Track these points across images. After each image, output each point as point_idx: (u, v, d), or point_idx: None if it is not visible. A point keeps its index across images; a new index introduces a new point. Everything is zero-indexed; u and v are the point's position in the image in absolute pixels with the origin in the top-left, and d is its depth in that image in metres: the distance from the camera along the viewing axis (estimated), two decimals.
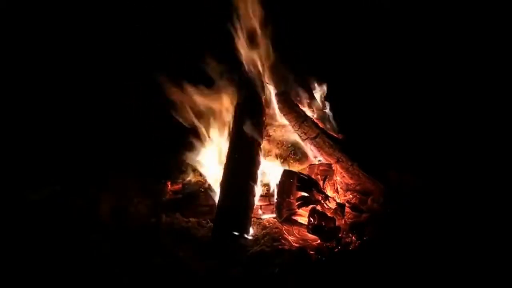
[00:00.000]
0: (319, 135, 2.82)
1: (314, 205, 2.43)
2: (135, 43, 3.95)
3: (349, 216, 2.55)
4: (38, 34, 3.91)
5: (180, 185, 2.95)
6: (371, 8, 4.08)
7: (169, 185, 2.94)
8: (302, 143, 2.92)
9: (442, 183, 2.64)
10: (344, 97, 3.35)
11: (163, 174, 2.99)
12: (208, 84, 3.17)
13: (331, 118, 3.12)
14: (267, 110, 3.10)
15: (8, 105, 3.57)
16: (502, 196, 2.47)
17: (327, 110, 3.16)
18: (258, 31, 3.01)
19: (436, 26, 3.94)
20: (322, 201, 2.46)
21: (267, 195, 2.75)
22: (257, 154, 2.72)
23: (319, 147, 2.82)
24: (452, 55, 3.82)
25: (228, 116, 3.06)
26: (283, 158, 2.93)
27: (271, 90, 3.11)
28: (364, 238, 2.29)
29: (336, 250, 2.23)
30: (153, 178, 2.93)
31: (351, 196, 2.73)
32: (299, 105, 3.05)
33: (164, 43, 3.93)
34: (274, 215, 2.56)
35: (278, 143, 3.02)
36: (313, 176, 2.64)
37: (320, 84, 3.23)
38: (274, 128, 3.10)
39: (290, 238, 2.39)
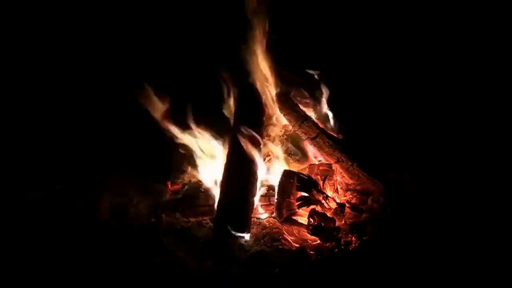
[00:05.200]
0: (319, 135, 2.82)
1: (314, 206, 2.43)
2: (136, 42, 3.95)
3: (349, 216, 2.55)
4: (38, 34, 3.91)
5: (180, 185, 2.95)
6: (371, 8, 4.08)
7: (169, 185, 2.93)
8: (302, 143, 2.93)
9: (442, 183, 2.64)
10: (344, 97, 3.35)
11: (163, 174, 2.99)
12: (208, 84, 3.18)
13: (331, 118, 3.12)
14: (267, 110, 3.10)
15: (8, 105, 3.57)
16: (502, 196, 2.47)
17: (327, 110, 3.16)
18: (259, 31, 3.01)
19: (436, 26, 3.94)
20: (322, 201, 2.46)
21: (267, 195, 2.75)
22: (257, 154, 2.72)
23: (319, 147, 2.82)
24: (452, 55, 3.82)
25: (229, 116, 3.06)
26: (283, 158, 2.93)
27: (271, 90, 3.11)
28: (364, 238, 2.29)
29: (336, 250, 2.23)
30: (153, 178, 2.93)
31: (351, 196, 2.73)
32: (299, 105, 3.05)
33: (164, 42, 3.94)
34: (274, 215, 2.57)
35: (278, 143, 3.02)
36: (313, 176, 2.64)
37: (320, 84, 3.22)
38: (274, 128, 3.10)
39: (290, 238, 2.39)
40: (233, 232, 2.34)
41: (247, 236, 2.39)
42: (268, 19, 2.94)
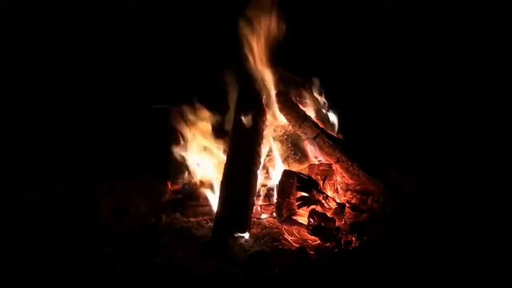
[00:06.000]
0: (319, 135, 2.82)
1: (314, 206, 2.43)
2: (136, 42, 3.96)
3: (349, 216, 2.55)
4: (38, 34, 3.91)
5: (180, 185, 2.95)
6: (371, 7, 4.08)
7: (169, 185, 2.93)
8: (302, 143, 2.93)
9: (442, 183, 2.64)
10: (344, 97, 3.35)
11: (163, 174, 2.99)
12: (208, 83, 3.18)
13: (331, 118, 3.12)
14: (267, 110, 3.10)
15: (8, 105, 3.57)
16: (502, 197, 2.47)
17: (327, 110, 3.15)
18: (259, 31, 3.00)
19: (436, 25, 3.94)
20: (322, 201, 2.46)
21: (267, 195, 2.75)
22: (257, 154, 2.72)
23: (319, 147, 2.82)
24: (452, 55, 3.82)
25: (228, 116, 3.06)
26: (283, 158, 2.93)
27: (271, 90, 3.11)
28: (364, 238, 2.29)
29: (336, 250, 2.23)
30: (153, 178, 2.93)
31: (351, 196, 2.73)
32: (299, 105, 3.05)
33: (165, 42, 3.94)
34: (274, 215, 2.56)
35: (278, 143, 3.02)
36: (313, 176, 2.64)
37: (320, 84, 3.22)
38: (274, 128, 3.10)
39: (290, 238, 2.39)
40: (233, 232, 2.34)
41: (247, 236, 2.39)
42: (270, 19, 2.94)
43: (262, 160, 2.78)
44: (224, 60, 3.25)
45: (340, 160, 2.75)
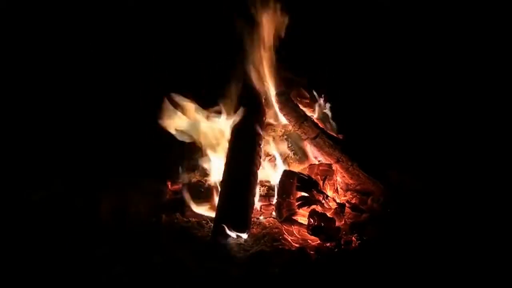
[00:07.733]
0: (319, 135, 2.82)
1: (314, 206, 2.43)
2: (136, 43, 3.96)
3: (349, 216, 2.56)
4: (38, 35, 3.91)
5: (180, 185, 2.95)
6: (371, 7, 4.08)
7: (169, 185, 2.93)
8: (302, 143, 2.93)
9: (442, 183, 2.64)
10: (344, 97, 3.35)
11: (163, 174, 2.99)
12: (207, 83, 3.18)
13: (331, 118, 3.12)
14: (267, 110, 3.10)
15: (8, 105, 3.57)
16: (502, 197, 2.47)
17: (327, 110, 3.16)
18: (259, 31, 3.01)
19: (436, 25, 3.95)
20: (322, 201, 2.46)
21: (267, 195, 2.75)
22: (257, 154, 2.72)
23: (319, 147, 2.82)
24: (452, 55, 3.82)
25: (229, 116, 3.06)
26: (283, 158, 2.93)
27: (271, 90, 3.11)
28: (364, 238, 2.29)
29: (336, 250, 2.23)
30: (153, 178, 2.93)
31: (351, 196, 2.73)
32: (299, 105, 3.05)
33: (163, 42, 3.94)
34: (274, 215, 2.56)
35: (278, 143, 3.02)
36: (313, 176, 2.64)
37: (320, 84, 3.23)
38: (274, 128, 3.10)
39: (290, 238, 2.39)
40: (233, 232, 2.34)
41: (246, 236, 2.39)
42: (273, 20, 2.95)
43: (261, 160, 2.78)
44: (224, 60, 3.25)
45: (340, 160, 2.75)
